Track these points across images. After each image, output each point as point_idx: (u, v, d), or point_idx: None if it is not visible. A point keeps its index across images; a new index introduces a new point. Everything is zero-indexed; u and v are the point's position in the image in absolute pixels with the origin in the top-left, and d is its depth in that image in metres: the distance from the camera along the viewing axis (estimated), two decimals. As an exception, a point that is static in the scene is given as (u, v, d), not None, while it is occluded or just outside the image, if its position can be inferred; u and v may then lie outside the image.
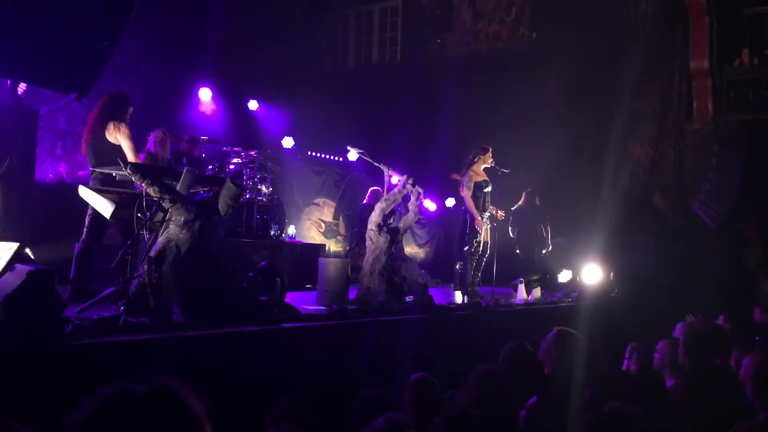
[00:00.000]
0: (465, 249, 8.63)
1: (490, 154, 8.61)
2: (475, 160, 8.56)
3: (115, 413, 1.23)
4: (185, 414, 1.28)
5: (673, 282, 9.73)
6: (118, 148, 5.94)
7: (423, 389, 3.89)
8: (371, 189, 10.43)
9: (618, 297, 9.66)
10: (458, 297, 8.17)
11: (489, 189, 8.60)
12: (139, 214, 4.96)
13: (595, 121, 11.23)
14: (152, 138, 7.10)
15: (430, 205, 11.43)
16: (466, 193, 8.44)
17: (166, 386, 1.31)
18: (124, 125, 6.00)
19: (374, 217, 7.11)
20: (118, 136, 5.95)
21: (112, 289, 5.09)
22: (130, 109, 6.19)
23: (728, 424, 3.19)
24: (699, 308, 7.45)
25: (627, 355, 5.43)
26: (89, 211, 5.86)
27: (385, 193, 7.39)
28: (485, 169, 8.61)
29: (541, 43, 12.70)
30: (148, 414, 1.25)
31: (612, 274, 10.00)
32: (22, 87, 7.95)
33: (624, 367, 4.93)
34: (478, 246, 8.49)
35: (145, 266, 4.62)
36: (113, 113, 6.03)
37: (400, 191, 7.29)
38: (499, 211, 8.70)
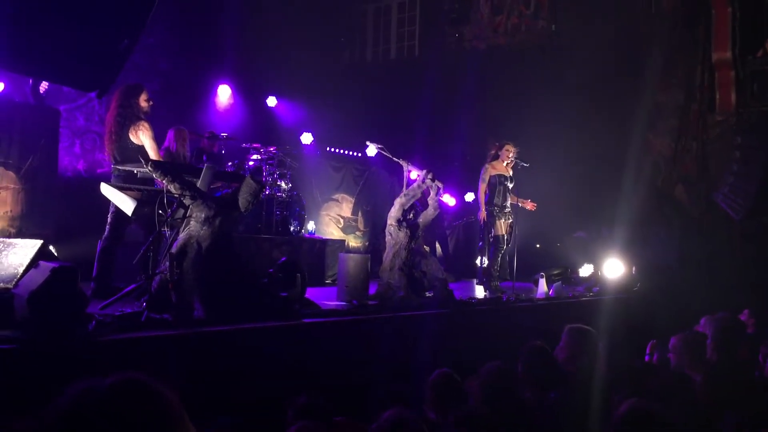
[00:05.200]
0: (481, 244, 8.67)
1: (511, 149, 8.61)
2: (498, 154, 8.61)
3: (83, 412, 1.22)
4: (156, 406, 1.27)
5: (697, 276, 9.62)
6: (140, 147, 5.98)
7: (445, 385, 3.88)
8: None
9: (640, 291, 9.57)
10: (479, 292, 8.15)
11: (509, 183, 8.59)
12: (160, 211, 4.99)
13: (616, 114, 11.13)
14: (170, 135, 7.15)
15: (449, 200, 11.38)
16: (480, 186, 8.53)
17: (131, 379, 1.30)
18: (145, 124, 6.03)
19: (393, 212, 7.10)
20: (140, 135, 5.98)
21: (134, 285, 5.13)
22: (145, 96, 6.16)
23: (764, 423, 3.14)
24: (723, 303, 7.36)
25: (648, 351, 5.38)
26: (111, 209, 5.90)
27: (404, 189, 7.37)
28: (507, 165, 8.62)
29: (560, 36, 12.59)
30: (117, 409, 1.23)
31: (634, 268, 9.91)
32: (44, 86, 8.05)
33: (646, 360, 4.89)
34: (496, 241, 8.51)
35: (167, 263, 4.65)
36: (130, 109, 6.05)
37: (419, 186, 7.28)
38: (529, 203, 8.69)
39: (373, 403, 3.86)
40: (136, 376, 1.29)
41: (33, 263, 4.25)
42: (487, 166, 8.64)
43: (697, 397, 3.81)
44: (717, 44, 10.89)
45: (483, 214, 8.42)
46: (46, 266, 3.89)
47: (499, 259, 8.59)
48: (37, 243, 4.49)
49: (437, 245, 11.72)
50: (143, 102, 6.13)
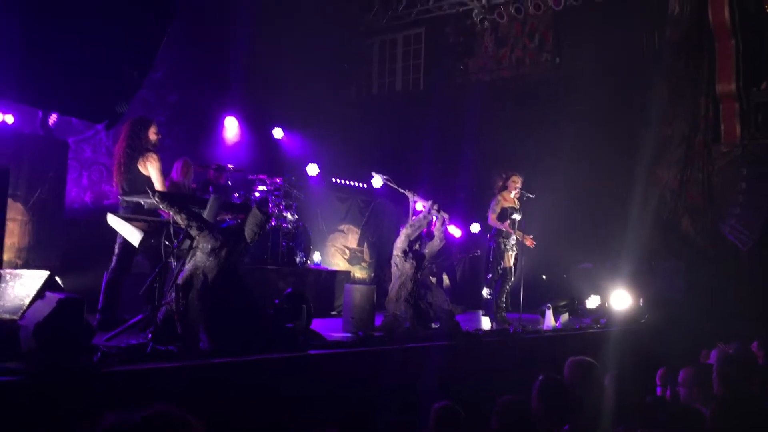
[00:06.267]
0: (489, 276, 8.66)
1: (517, 180, 8.64)
2: (506, 185, 8.65)
3: None
4: None
5: (704, 308, 9.55)
6: (148, 178, 6.02)
7: (446, 418, 3.85)
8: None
9: (648, 323, 9.50)
10: (486, 323, 8.11)
11: (517, 216, 8.60)
12: (166, 242, 5.00)
13: (621, 146, 11.17)
14: (176, 167, 7.20)
15: (455, 231, 11.38)
16: (491, 216, 8.54)
17: (163, 411, 1.30)
18: (153, 155, 6.08)
19: (399, 243, 7.09)
20: (148, 166, 6.03)
21: (140, 316, 5.13)
22: (154, 129, 6.22)
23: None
24: (731, 334, 7.30)
25: (659, 382, 5.32)
26: (118, 240, 5.92)
27: (410, 220, 7.37)
28: (515, 196, 8.65)
29: (564, 69, 12.70)
30: None
31: (641, 300, 9.85)
32: (53, 118, 8.12)
33: (659, 394, 4.83)
34: (504, 273, 8.51)
35: (173, 294, 4.65)
36: (139, 141, 6.11)
37: (425, 217, 7.28)
38: (528, 239, 8.68)
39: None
40: (167, 407, 1.30)
41: (39, 294, 4.26)
42: (498, 197, 8.67)
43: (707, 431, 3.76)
44: (721, 76, 10.95)
45: (506, 224, 8.45)
46: (52, 297, 3.89)
47: (506, 290, 8.58)
48: (43, 274, 4.50)
49: (444, 276, 11.69)
50: (152, 135, 6.20)
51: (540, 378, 4.12)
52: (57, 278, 4.85)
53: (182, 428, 1.27)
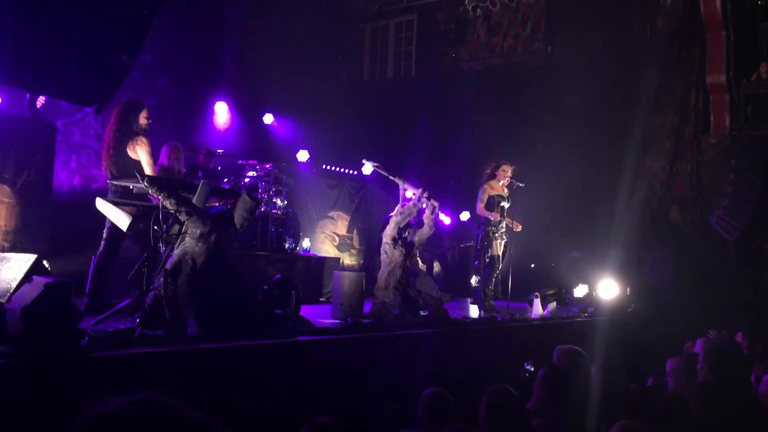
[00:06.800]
0: (476, 263, 8.69)
1: (507, 169, 8.65)
2: (494, 173, 8.65)
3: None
4: (184, 426, 1.26)
5: (691, 297, 9.63)
6: (137, 162, 5.99)
7: (437, 404, 3.86)
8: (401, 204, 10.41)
9: (635, 312, 9.57)
10: (474, 311, 8.14)
11: (506, 204, 8.62)
12: (155, 227, 4.97)
13: (611, 135, 11.19)
14: (165, 151, 7.15)
15: (444, 219, 11.40)
16: (478, 206, 8.56)
17: (152, 398, 1.28)
18: (143, 140, 6.04)
19: (389, 231, 7.09)
20: (138, 150, 6.00)
21: (128, 301, 5.11)
22: (145, 114, 6.18)
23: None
24: (717, 324, 7.38)
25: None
26: (107, 224, 5.89)
27: (400, 207, 7.37)
28: (504, 184, 8.66)
29: (556, 58, 12.69)
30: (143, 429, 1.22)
31: (629, 289, 9.92)
32: (41, 100, 8.04)
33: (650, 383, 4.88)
34: (492, 261, 8.53)
35: (161, 279, 4.63)
36: (129, 125, 6.07)
37: (415, 205, 7.28)
38: (516, 224, 8.70)
39: (368, 422, 3.84)
40: (158, 395, 1.28)
41: (27, 278, 4.23)
42: (485, 186, 8.67)
43: (693, 420, 3.80)
44: (711, 67, 10.99)
45: (495, 213, 8.45)
46: (39, 281, 3.87)
47: (494, 279, 8.61)
48: (31, 258, 4.47)
49: (436, 264, 11.71)
50: (143, 119, 6.15)
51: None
52: (44, 262, 4.83)
53: (180, 418, 1.26)
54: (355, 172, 13.05)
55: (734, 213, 10.55)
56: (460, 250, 12.45)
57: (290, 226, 10.02)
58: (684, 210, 11.19)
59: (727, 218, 10.61)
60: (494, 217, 8.49)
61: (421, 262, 8.65)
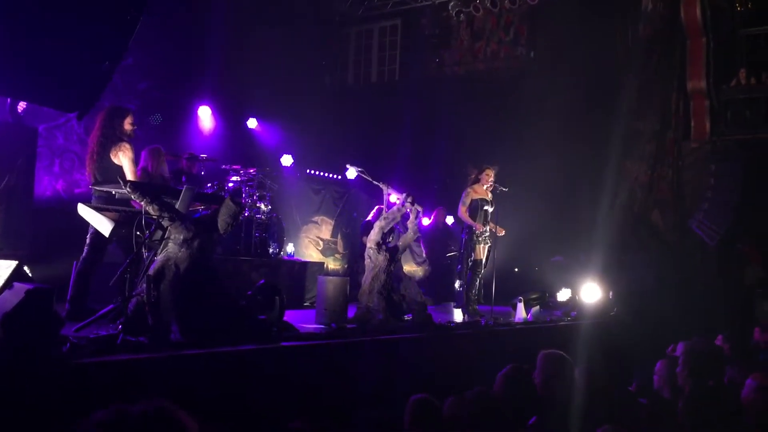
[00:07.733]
0: (459, 267, 8.72)
1: (491, 173, 8.68)
2: (478, 178, 8.68)
3: None
4: None
5: (673, 301, 9.71)
6: (121, 168, 5.96)
7: (423, 410, 3.86)
8: (377, 207, 10.42)
9: (617, 316, 9.64)
10: (458, 315, 8.16)
11: (489, 208, 8.65)
12: (138, 233, 4.95)
13: (593, 140, 11.26)
14: (144, 155, 7.12)
15: (424, 221, 11.44)
16: (461, 209, 8.58)
17: (160, 407, 1.29)
18: (126, 145, 6.03)
19: (373, 236, 7.11)
20: (121, 156, 5.98)
21: (110, 307, 5.08)
22: (129, 120, 6.17)
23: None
24: (698, 327, 7.44)
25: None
26: (91, 229, 5.85)
27: (384, 212, 7.39)
28: (488, 189, 8.69)
29: (539, 63, 12.77)
30: None
31: (611, 293, 9.99)
32: (22, 105, 7.99)
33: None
34: (474, 265, 8.56)
35: (144, 285, 4.61)
36: (113, 130, 6.05)
37: (399, 209, 7.30)
38: (499, 228, 8.74)
39: (353, 427, 3.83)
40: (164, 404, 1.28)
41: (7, 284, 4.19)
42: (468, 189, 8.70)
43: (678, 423, 3.84)
44: (692, 73, 11.09)
45: (479, 225, 8.48)
46: (20, 287, 3.84)
47: (477, 283, 8.64)
48: (11, 264, 4.43)
49: (420, 269, 11.73)
50: (127, 125, 6.15)
51: (506, 367, 4.17)
52: (26, 268, 4.78)
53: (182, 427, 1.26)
54: (339, 177, 13.06)
55: (714, 217, 10.66)
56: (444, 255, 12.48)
57: (274, 230, 10.00)
58: (665, 213, 11.28)
59: (707, 222, 10.72)
60: (477, 228, 8.49)
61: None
